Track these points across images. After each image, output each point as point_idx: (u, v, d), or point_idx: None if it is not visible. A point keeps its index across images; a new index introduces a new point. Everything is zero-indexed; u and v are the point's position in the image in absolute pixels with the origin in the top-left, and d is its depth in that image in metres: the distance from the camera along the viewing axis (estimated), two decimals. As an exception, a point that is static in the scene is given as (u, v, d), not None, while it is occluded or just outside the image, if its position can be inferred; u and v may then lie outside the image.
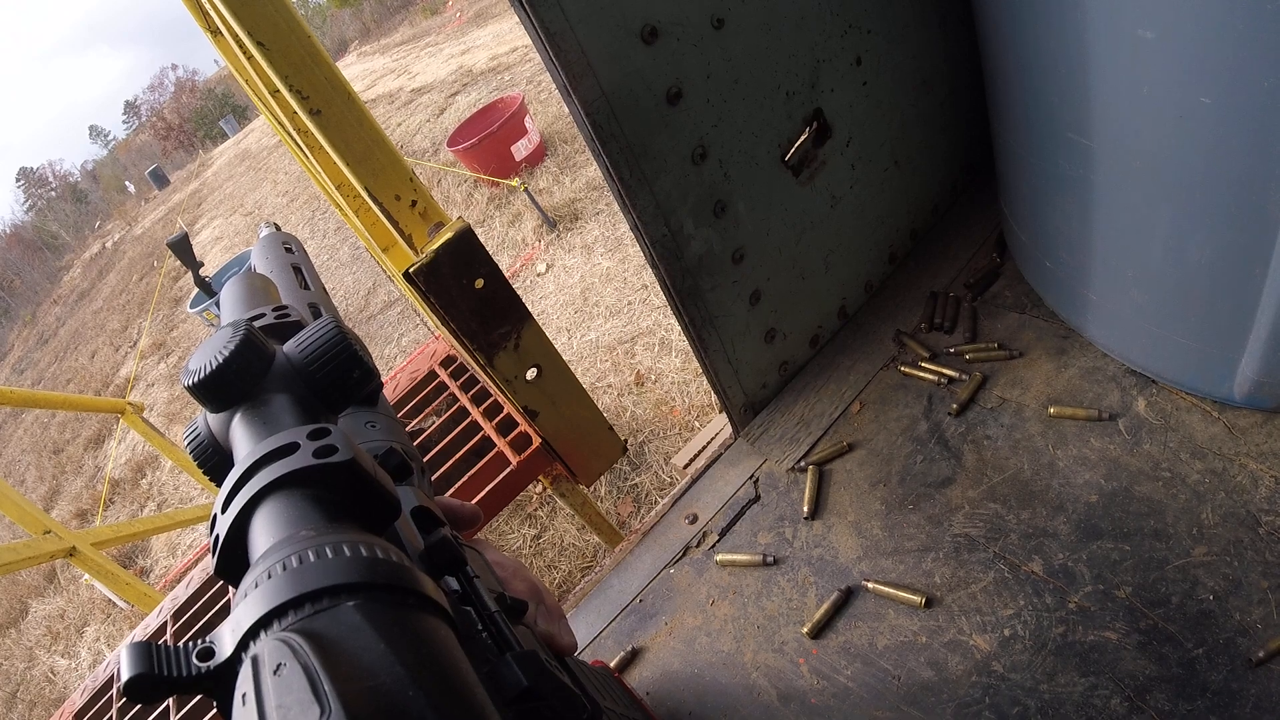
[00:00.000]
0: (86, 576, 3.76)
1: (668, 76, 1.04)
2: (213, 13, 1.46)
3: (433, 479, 1.96)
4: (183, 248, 4.41)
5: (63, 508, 7.61)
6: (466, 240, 1.27)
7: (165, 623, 2.23)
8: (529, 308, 1.40)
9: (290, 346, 0.57)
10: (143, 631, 2.34)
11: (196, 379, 0.53)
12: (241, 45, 1.38)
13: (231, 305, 0.71)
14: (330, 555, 0.37)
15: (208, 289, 4.96)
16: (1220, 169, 0.85)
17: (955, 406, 1.27)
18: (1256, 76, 0.74)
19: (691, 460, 2.73)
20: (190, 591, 2.27)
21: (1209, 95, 0.79)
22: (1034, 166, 1.15)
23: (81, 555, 3.47)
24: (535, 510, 3.56)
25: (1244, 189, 0.84)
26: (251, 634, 0.35)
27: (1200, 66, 0.78)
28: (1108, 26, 0.84)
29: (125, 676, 0.37)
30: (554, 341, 4.26)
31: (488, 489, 1.89)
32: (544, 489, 3.37)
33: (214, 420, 0.56)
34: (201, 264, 4.82)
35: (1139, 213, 0.98)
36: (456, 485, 1.94)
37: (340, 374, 0.55)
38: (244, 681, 0.33)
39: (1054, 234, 1.17)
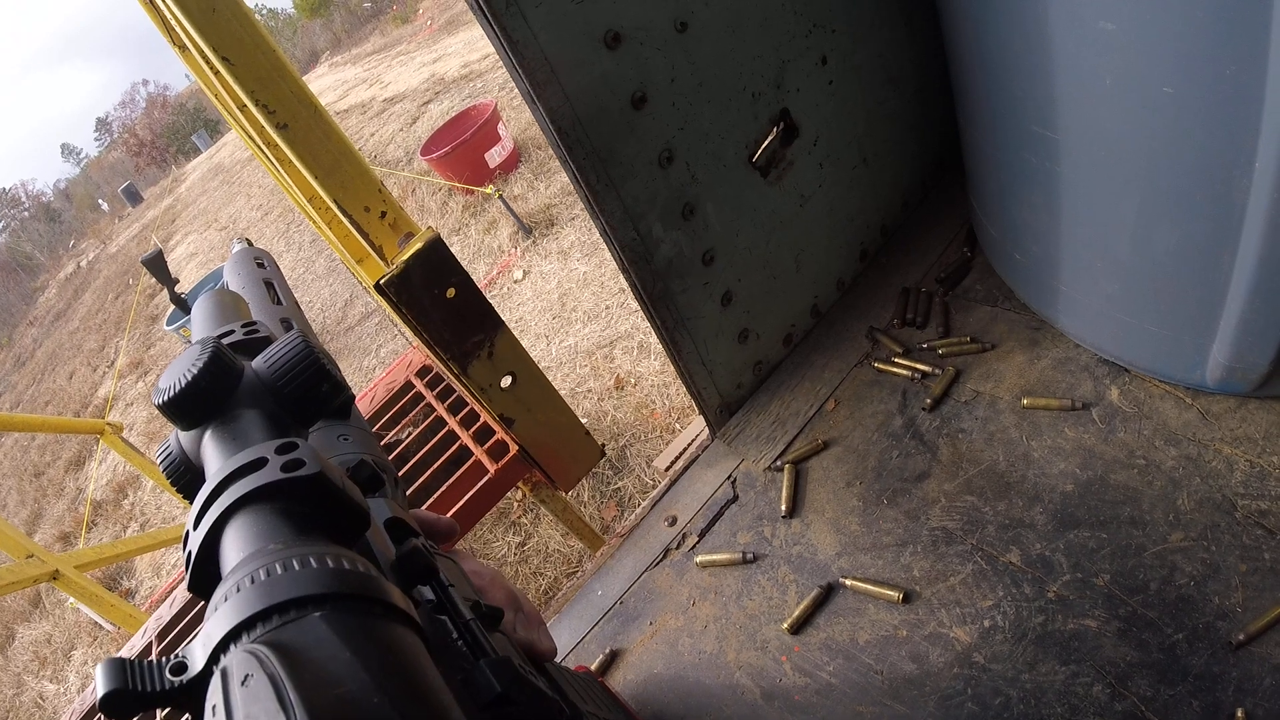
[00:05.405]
0: (71, 600, 3.73)
1: (632, 81, 1.04)
2: (178, 29, 1.46)
3: (411, 489, 1.96)
4: (157, 265, 4.39)
5: (45, 531, 7.53)
6: (436, 250, 1.26)
7: (150, 643, 2.22)
8: (507, 315, 1.40)
9: (259, 362, 0.57)
10: (127, 652, 2.31)
11: (165, 398, 0.53)
12: (208, 60, 1.37)
13: (201, 323, 0.71)
14: (297, 567, 0.38)
15: (184, 306, 4.93)
16: (1185, 158, 0.86)
17: (929, 401, 1.27)
18: (1218, 65, 0.75)
19: (672, 462, 2.73)
20: (174, 610, 2.25)
21: (1171, 85, 0.80)
22: (1001, 160, 1.16)
23: (65, 579, 3.44)
24: (519, 518, 3.55)
25: (1209, 177, 0.85)
26: (221, 647, 0.35)
27: (1162, 57, 0.79)
28: (1069, 19, 0.85)
29: (100, 693, 0.37)
30: (533, 348, 4.29)
31: (467, 497, 1.89)
32: (525, 496, 3.36)
33: (185, 438, 0.56)
34: (177, 280, 4.79)
35: (1106, 203, 0.99)
36: (435, 495, 1.93)
37: (308, 388, 0.55)
38: (214, 693, 0.33)
39: (1022, 227, 1.18)
